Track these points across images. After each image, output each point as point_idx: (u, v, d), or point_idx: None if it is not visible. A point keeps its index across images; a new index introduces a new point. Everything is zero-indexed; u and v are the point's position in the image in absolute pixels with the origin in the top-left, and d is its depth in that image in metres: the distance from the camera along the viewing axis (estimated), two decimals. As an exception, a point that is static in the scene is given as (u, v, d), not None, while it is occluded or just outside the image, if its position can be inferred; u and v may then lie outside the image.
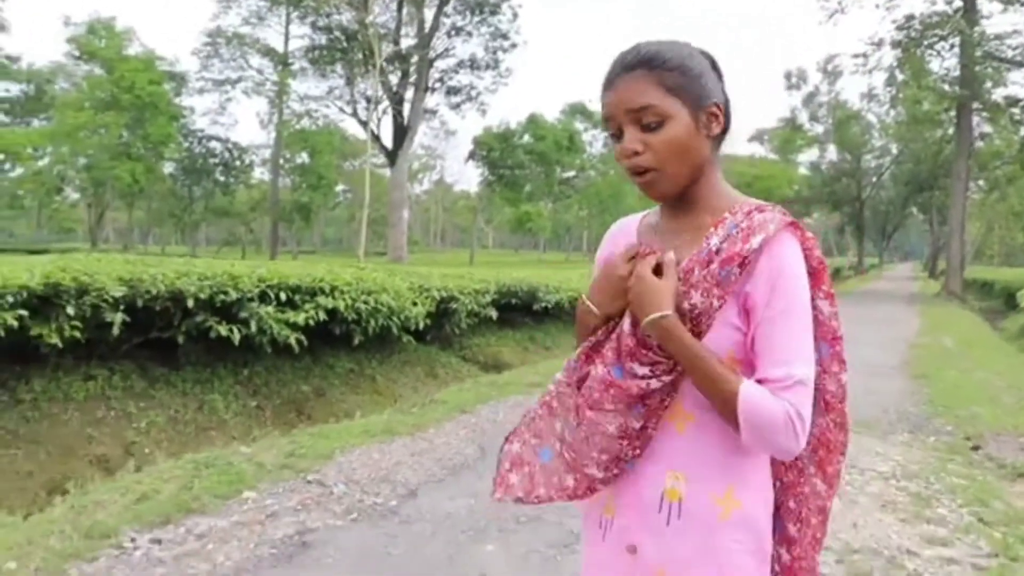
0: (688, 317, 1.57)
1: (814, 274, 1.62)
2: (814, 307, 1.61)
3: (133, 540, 4.29)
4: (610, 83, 1.63)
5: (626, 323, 1.63)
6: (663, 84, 1.59)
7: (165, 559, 4.11)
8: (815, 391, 1.61)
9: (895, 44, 35.01)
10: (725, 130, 1.69)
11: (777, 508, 1.72)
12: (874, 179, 69.11)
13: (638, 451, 1.64)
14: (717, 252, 1.57)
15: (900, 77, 40.42)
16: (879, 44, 35.54)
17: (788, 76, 64.71)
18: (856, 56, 37.36)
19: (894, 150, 64.45)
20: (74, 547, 4.12)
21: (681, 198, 1.67)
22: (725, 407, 1.53)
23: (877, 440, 7.20)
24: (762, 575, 1.63)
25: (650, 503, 1.65)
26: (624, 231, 1.84)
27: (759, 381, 1.53)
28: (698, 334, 1.56)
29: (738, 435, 1.54)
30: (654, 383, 1.59)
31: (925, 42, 34.36)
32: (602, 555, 1.73)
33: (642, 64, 1.61)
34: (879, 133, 66.23)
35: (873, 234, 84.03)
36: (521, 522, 4.86)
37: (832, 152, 67.88)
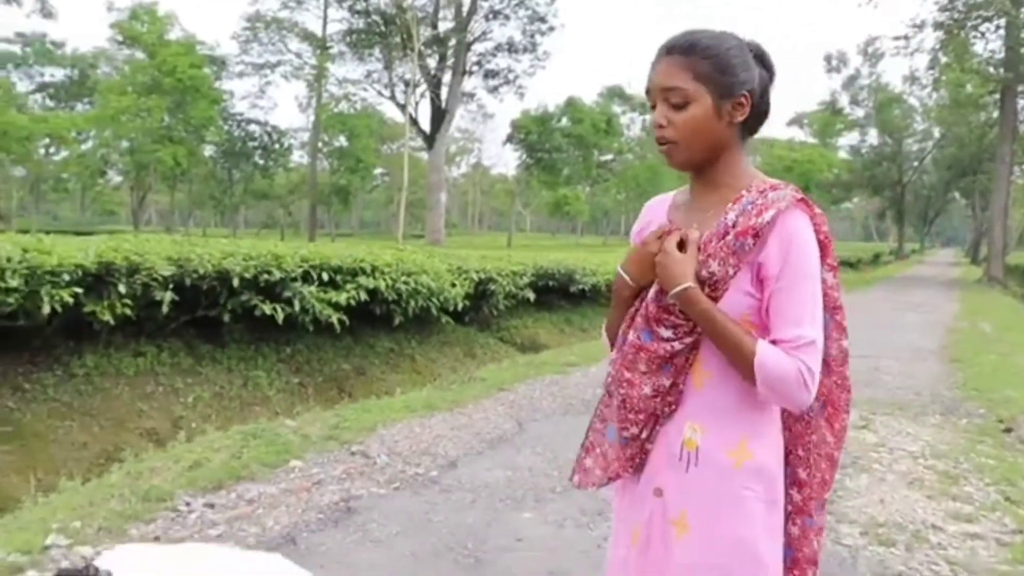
0: (707, 283, 1.76)
1: (821, 248, 1.79)
2: (820, 278, 1.79)
3: (188, 504, 4.50)
4: (654, 62, 1.85)
5: (652, 292, 1.84)
6: (694, 70, 1.78)
7: (218, 521, 4.32)
8: (826, 356, 1.81)
9: (937, 26, 34.56)
10: (761, 117, 1.88)
11: (787, 455, 1.90)
12: (916, 163, 68.29)
13: (672, 407, 1.84)
14: (733, 226, 1.76)
15: (943, 59, 39.85)
16: (921, 26, 35.09)
17: (828, 59, 64.01)
18: (897, 38, 36.92)
19: (936, 134, 63.61)
20: (133, 509, 4.33)
21: (704, 177, 1.87)
22: (743, 365, 1.72)
23: (909, 421, 7.28)
24: (773, 520, 1.81)
25: (673, 451, 1.84)
26: (657, 208, 2.04)
27: (773, 342, 1.71)
28: (715, 298, 1.76)
29: (754, 390, 1.73)
30: (677, 345, 1.80)
31: (969, 23, 33.89)
32: (634, 497, 1.92)
33: (681, 50, 1.81)
34: (921, 116, 65.39)
35: (914, 219, 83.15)
36: (557, 492, 5.02)
37: (873, 136, 67.14)
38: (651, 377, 1.83)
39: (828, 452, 1.91)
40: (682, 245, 1.81)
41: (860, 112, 65.47)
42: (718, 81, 1.78)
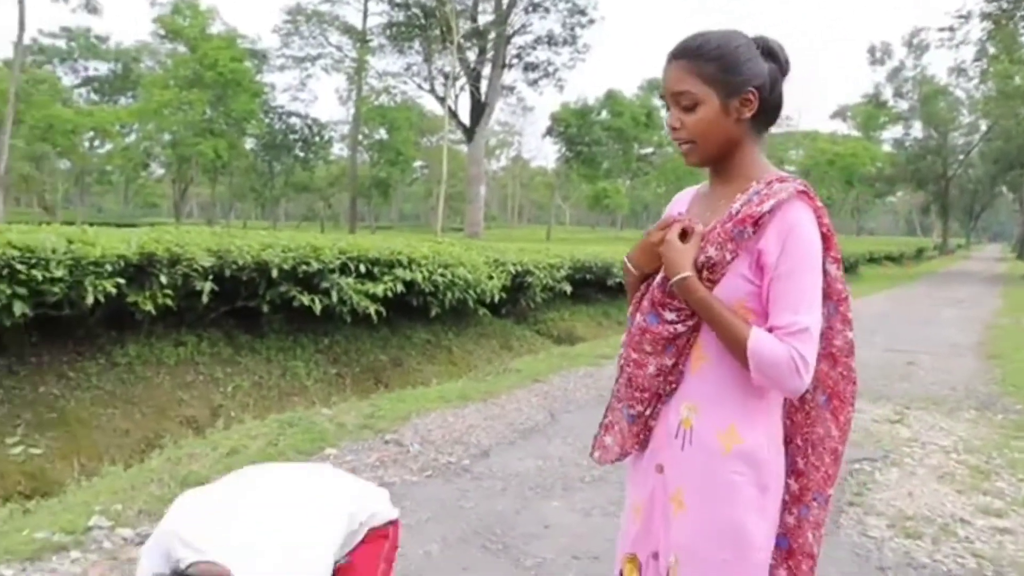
0: (705, 268, 1.85)
1: (824, 240, 1.85)
2: (823, 270, 1.86)
3: (225, 489, 4.62)
4: (664, 68, 1.94)
5: (658, 278, 1.94)
6: (699, 73, 1.86)
7: (254, 506, 4.43)
8: (825, 345, 1.90)
9: (985, 16, 34.14)
10: (773, 110, 1.94)
11: (787, 444, 1.97)
12: (961, 157, 67.32)
13: (673, 386, 1.94)
14: (736, 214, 1.84)
15: (990, 51, 39.33)
16: (967, 17, 34.71)
17: (872, 51, 63.41)
18: (942, 30, 36.56)
19: (983, 127, 62.66)
20: (172, 493, 4.45)
21: (718, 170, 1.96)
22: (738, 351, 1.80)
23: (943, 416, 7.25)
24: (765, 503, 1.88)
25: (671, 429, 1.94)
26: (682, 200, 2.13)
27: (769, 328, 1.79)
28: (713, 282, 1.84)
29: (749, 377, 1.81)
30: (680, 327, 1.90)
31: (1018, 14, 33.41)
32: (640, 473, 2.04)
33: (686, 54, 1.90)
34: (968, 109, 64.46)
35: (959, 214, 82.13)
36: (586, 481, 5.09)
37: (917, 129, 66.23)
38: (656, 357, 1.94)
39: (832, 446, 1.96)
40: (685, 235, 1.91)
41: (904, 105, 64.72)
42: (724, 80, 1.85)
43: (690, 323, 1.89)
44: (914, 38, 59.48)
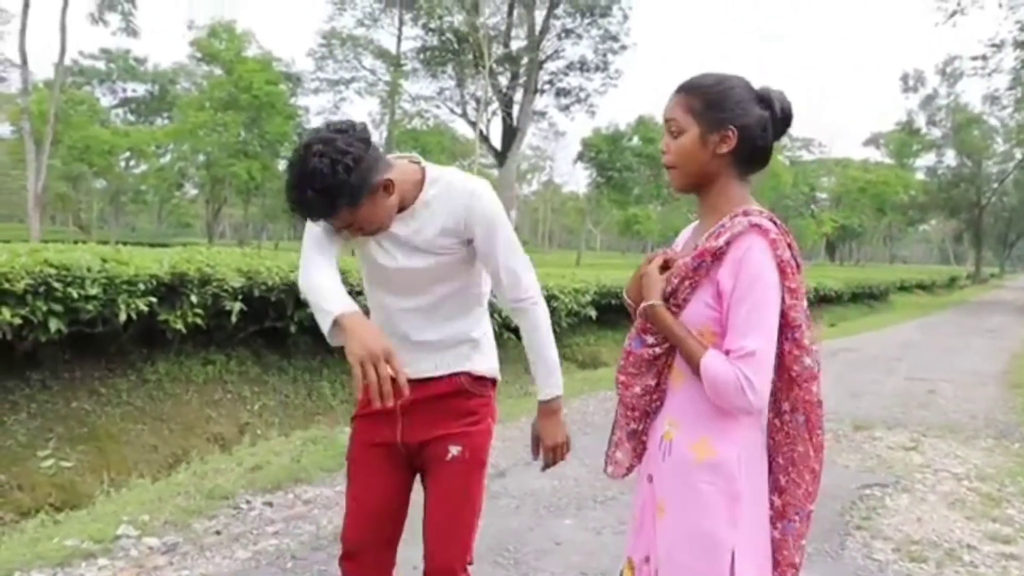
0: (671, 296, 2.05)
1: (780, 270, 1.97)
2: (780, 298, 1.99)
3: (248, 502, 4.79)
4: (671, 97, 2.14)
5: (642, 308, 2.12)
6: (687, 106, 2.08)
7: (276, 519, 4.60)
8: (784, 371, 2.05)
9: (1018, 45, 34.02)
10: (758, 152, 2.10)
11: (770, 462, 2.13)
12: (995, 185, 66.84)
13: (658, 403, 2.15)
14: (697, 248, 2.03)
15: (1024, 79, 39.17)
16: (1000, 45, 34.60)
17: (905, 78, 63.20)
18: (976, 58, 36.47)
19: (1018, 155, 62.24)
20: (197, 505, 4.63)
21: (702, 203, 2.14)
22: (696, 372, 1.98)
23: (959, 444, 7.30)
24: (736, 512, 2.00)
25: (656, 442, 2.16)
26: (686, 231, 2.33)
27: (725, 352, 1.95)
28: (680, 307, 2.04)
29: None
30: (658, 350, 2.11)
31: (1052, 43, 33.28)
32: (638, 484, 2.25)
33: (683, 88, 2.12)
34: (1002, 137, 64.05)
35: (993, 242, 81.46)
36: (598, 501, 5.21)
37: (950, 157, 65.87)
38: (640, 378, 2.15)
39: (810, 465, 2.09)
40: (667, 266, 2.12)
41: (937, 133, 64.37)
42: (705, 115, 2.05)
43: (666, 345, 2.09)
44: (947, 66, 59.24)
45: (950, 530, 4.99)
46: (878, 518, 5.15)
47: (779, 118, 2.08)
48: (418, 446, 2.52)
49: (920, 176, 71.76)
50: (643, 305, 2.10)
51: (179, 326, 6.80)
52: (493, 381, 2.62)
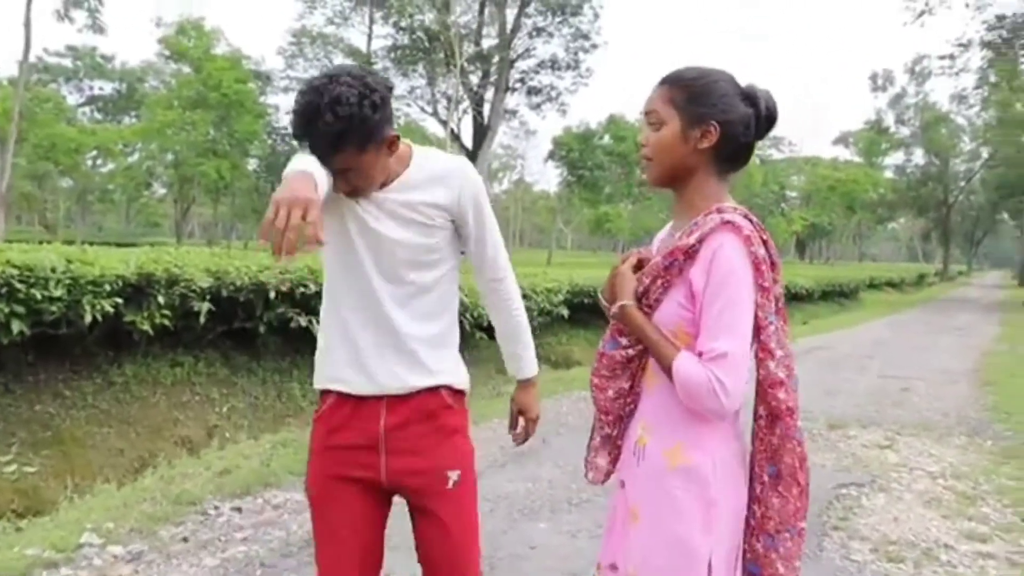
0: (643, 297, 2.00)
1: (755, 267, 1.90)
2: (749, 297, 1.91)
3: (216, 508, 4.68)
4: (654, 89, 2.07)
5: (614, 309, 2.07)
6: (669, 98, 2.01)
7: (245, 525, 4.49)
8: (756, 376, 1.97)
9: (985, 45, 34.34)
10: (740, 150, 2.03)
11: (751, 469, 2.04)
12: (963, 183, 67.56)
13: (632, 406, 2.10)
14: (670, 247, 1.96)
15: (991, 79, 39.57)
16: (967, 45, 34.90)
17: (873, 78, 63.81)
18: (943, 58, 36.77)
19: (984, 154, 62.91)
20: (164, 512, 4.52)
21: (679, 200, 2.08)
22: (668, 373, 1.91)
23: (933, 442, 7.31)
24: (711, 518, 1.93)
25: (630, 447, 2.10)
26: (663, 231, 2.24)
27: (698, 354, 1.87)
28: (652, 308, 1.97)
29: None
30: (631, 351, 2.07)
31: (1017, 43, 33.60)
32: (613, 490, 2.18)
33: (665, 81, 2.05)
34: (969, 136, 64.75)
35: (961, 240, 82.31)
36: (573, 503, 5.15)
37: (919, 155, 66.53)
38: (613, 381, 2.11)
39: (798, 478, 1.99)
40: (640, 266, 2.07)
41: (906, 131, 65.04)
42: (687, 109, 1.97)
43: (640, 347, 2.04)
44: (916, 66, 59.89)
45: (927, 529, 4.97)
46: (855, 518, 5.12)
47: (763, 117, 2.01)
48: (404, 466, 2.32)
49: (889, 175, 72.33)
50: (615, 305, 2.04)
51: (146, 327, 6.67)
52: (465, 394, 2.50)
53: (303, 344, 8.50)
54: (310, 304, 8.00)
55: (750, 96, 2.00)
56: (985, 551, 4.64)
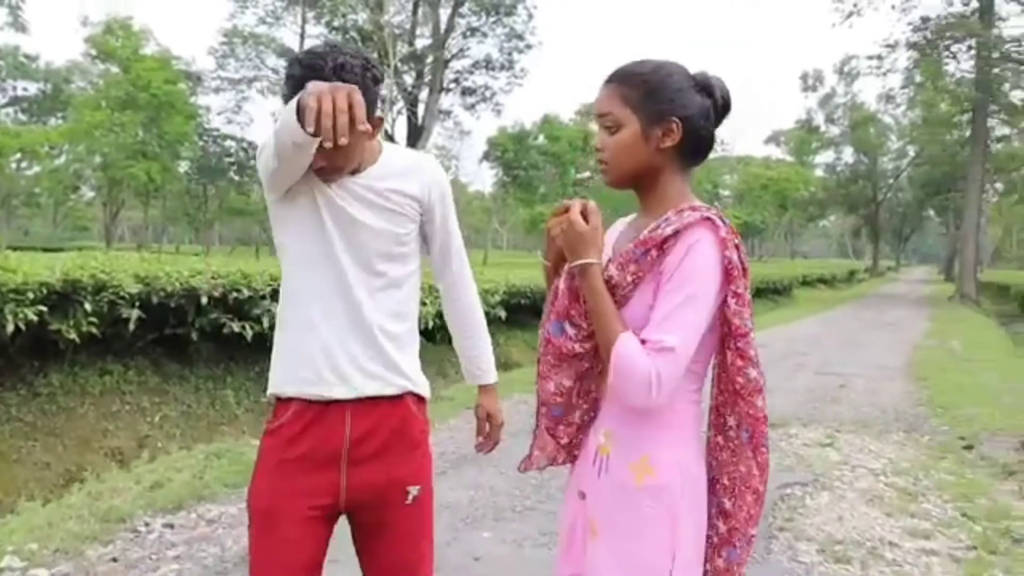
0: (613, 287, 1.81)
1: (726, 272, 1.78)
2: (724, 303, 1.80)
3: (147, 524, 4.50)
4: (599, 89, 1.94)
5: (562, 283, 1.91)
6: (624, 97, 1.87)
7: (177, 542, 4.32)
8: (728, 383, 1.87)
9: (910, 46, 35.00)
10: (701, 143, 1.91)
11: (713, 483, 1.92)
12: (890, 181, 68.96)
13: (582, 408, 1.97)
14: (642, 238, 1.81)
15: (916, 79, 40.37)
16: (894, 46, 35.53)
17: (804, 78, 64.79)
18: (871, 58, 37.39)
19: (911, 152, 64.25)
20: (91, 530, 4.32)
21: (643, 199, 1.95)
22: (606, 352, 1.77)
23: (872, 439, 7.36)
24: (677, 540, 1.81)
25: (590, 456, 1.95)
26: (615, 227, 2.09)
27: (642, 340, 1.74)
28: (617, 303, 1.81)
29: (665, 405, 1.78)
30: (578, 347, 1.88)
31: (941, 44, 34.30)
32: (568, 498, 2.04)
33: (616, 78, 1.91)
34: (896, 135, 66.09)
35: (889, 237, 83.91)
36: (517, 511, 5.06)
37: (848, 154, 67.80)
38: (556, 374, 1.93)
39: (753, 485, 1.90)
40: (586, 217, 1.86)
41: (836, 130, 66.24)
42: (646, 107, 1.85)
43: (587, 345, 1.87)
44: (845, 66, 60.90)
45: (871, 527, 4.97)
46: (800, 518, 5.10)
47: (720, 106, 1.90)
48: (364, 481, 2.19)
49: (819, 173, 73.56)
50: (576, 263, 1.83)
51: (72, 336, 6.45)
52: (426, 402, 2.39)
53: (237, 350, 8.31)
54: (243, 309, 7.83)
55: (705, 86, 1.89)
56: (929, 548, 4.65)
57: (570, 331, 1.88)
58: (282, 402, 2.21)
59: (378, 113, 2.09)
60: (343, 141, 1.72)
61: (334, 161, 2.07)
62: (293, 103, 1.82)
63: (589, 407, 1.96)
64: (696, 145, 1.90)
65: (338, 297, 2.17)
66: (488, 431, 2.60)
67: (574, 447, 2.03)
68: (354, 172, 2.17)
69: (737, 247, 1.81)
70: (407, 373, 2.25)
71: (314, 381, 2.15)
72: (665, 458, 1.83)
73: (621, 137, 1.87)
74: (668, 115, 1.84)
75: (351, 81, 1.94)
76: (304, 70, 1.97)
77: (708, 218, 1.79)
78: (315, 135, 1.73)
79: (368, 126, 1.78)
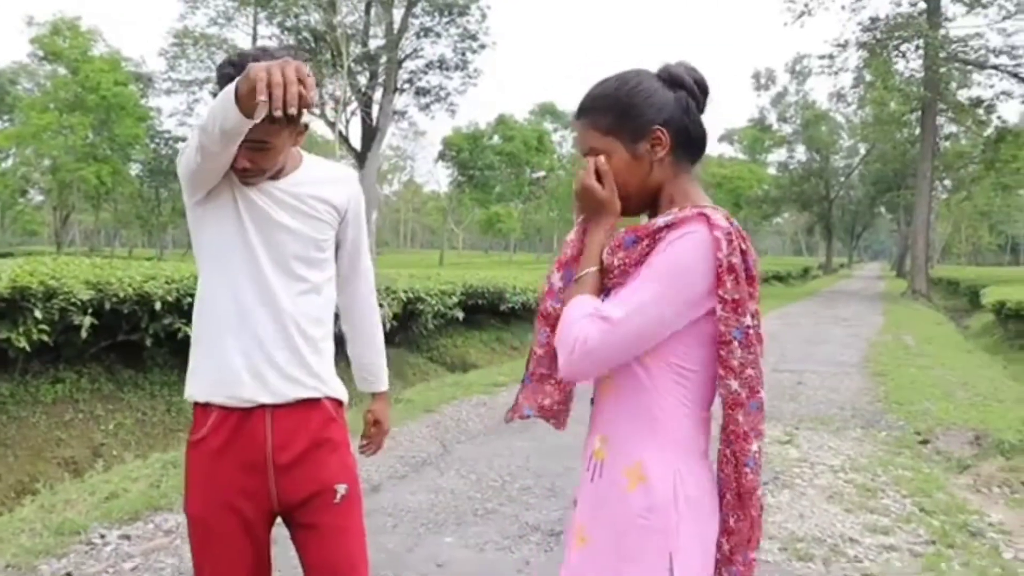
0: (606, 270, 1.78)
1: (716, 274, 1.67)
2: (713, 307, 1.70)
3: (103, 536, 4.41)
4: (573, 126, 1.89)
5: (573, 234, 1.92)
6: (599, 128, 1.81)
7: (134, 554, 4.23)
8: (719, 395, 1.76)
9: (860, 45, 35.39)
10: (694, 138, 1.83)
11: (721, 498, 1.80)
12: (842, 179, 69.81)
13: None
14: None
15: (867, 78, 40.84)
16: (844, 45, 35.90)
17: (756, 76, 65.24)
18: (822, 57, 37.75)
19: (862, 150, 65.12)
20: (44, 544, 4.23)
21: (655, 209, 1.85)
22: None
23: (831, 435, 7.41)
24: (668, 548, 1.70)
25: (586, 462, 1.86)
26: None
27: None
28: (607, 288, 1.77)
29: (659, 407, 1.74)
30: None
31: (890, 44, 34.74)
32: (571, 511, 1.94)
33: (583, 112, 1.85)
34: (847, 133, 66.88)
35: (842, 233, 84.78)
36: (479, 515, 5.02)
37: (801, 152, 68.39)
38: (543, 325, 1.92)
39: (743, 502, 1.78)
40: (600, 179, 1.81)
41: (788, 129, 66.77)
42: (623, 127, 1.79)
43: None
44: (796, 65, 61.49)
45: (832, 524, 5.00)
46: (762, 517, 5.11)
47: (697, 91, 1.82)
48: (293, 484, 2.21)
49: (772, 171, 74.21)
50: (585, 220, 1.86)
51: (22, 344, 6.31)
52: (343, 406, 2.40)
53: (192, 356, 8.19)
54: (199, 314, 7.71)
55: (673, 79, 1.81)
56: (888, 544, 4.69)
57: (558, 274, 1.90)
58: (201, 408, 2.21)
59: (304, 120, 2.05)
60: (293, 111, 1.67)
61: (256, 164, 2.08)
62: (230, 86, 1.78)
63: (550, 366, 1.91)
64: (688, 141, 1.82)
65: (258, 300, 2.17)
66: (373, 435, 2.65)
67: (559, 413, 1.98)
68: (275, 176, 2.18)
69: (743, 252, 1.70)
70: (325, 378, 2.29)
71: (232, 384, 2.15)
72: (659, 465, 1.73)
73: (615, 167, 1.80)
74: (648, 125, 1.77)
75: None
76: (237, 71, 1.91)
77: (703, 213, 1.69)
78: (267, 109, 1.67)
79: (315, 99, 1.74)
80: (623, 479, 1.75)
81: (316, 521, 2.24)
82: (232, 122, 1.80)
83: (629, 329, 1.66)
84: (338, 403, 2.34)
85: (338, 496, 2.25)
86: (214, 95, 1.96)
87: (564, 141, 73.23)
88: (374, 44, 42.61)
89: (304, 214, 2.20)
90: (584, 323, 1.66)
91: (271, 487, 2.18)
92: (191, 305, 6.63)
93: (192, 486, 2.23)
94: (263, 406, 2.15)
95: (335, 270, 2.36)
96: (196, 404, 2.22)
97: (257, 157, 2.06)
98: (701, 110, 1.84)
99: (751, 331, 1.71)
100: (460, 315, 12.67)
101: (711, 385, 1.78)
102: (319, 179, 2.27)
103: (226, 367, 2.15)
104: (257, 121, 1.80)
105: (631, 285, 1.69)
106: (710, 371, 1.77)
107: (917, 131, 39.81)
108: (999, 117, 36.36)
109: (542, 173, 67.90)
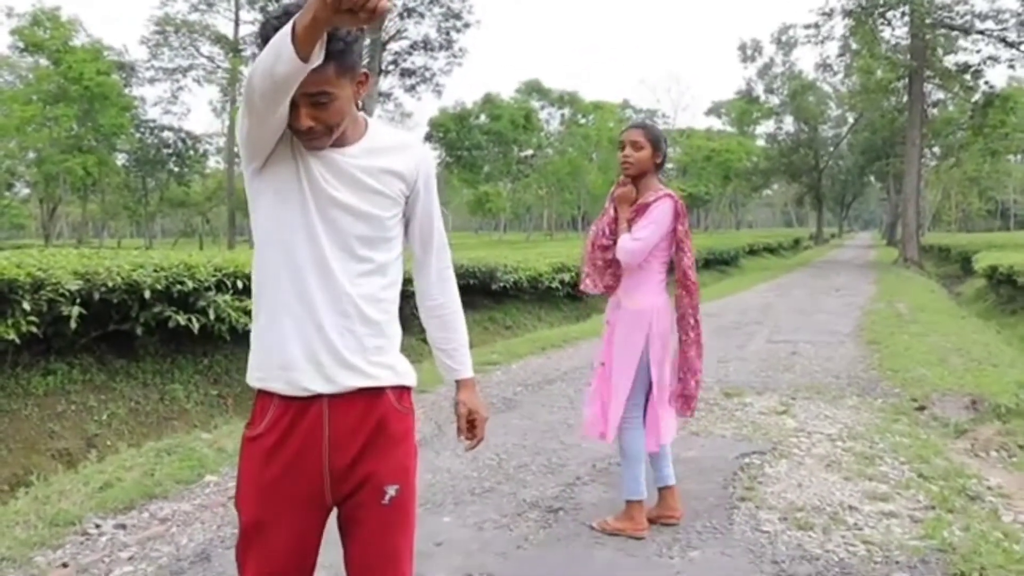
0: (616, 222, 4.45)
1: (675, 215, 4.28)
2: (675, 230, 4.29)
3: (98, 526, 4.37)
4: (626, 131, 4.35)
5: (610, 207, 4.42)
6: (645, 136, 4.26)
7: (130, 543, 4.20)
8: (680, 268, 4.41)
9: (846, 13, 35.30)
10: (662, 159, 4.35)
11: (679, 319, 4.37)
12: (831, 149, 69.72)
13: (611, 271, 4.43)
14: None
15: (853, 47, 40.72)
16: (830, 14, 35.83)
17: (743, 48, 64.93)
18: (808, 27, 37.67)
19: (850, 119, 65.00)
20: (39, 535, 4.20)
21: (638, 187, 4.32)
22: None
23: (827, 404, 7.41)
24: (646, 332, 4.25)
25: (615, 303, 4.40)
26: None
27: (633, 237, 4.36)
28: (613, 239, 4.38)
29: (643, 279, 4.29)
30: (606, 241, 4.38)
31: (876, 11, 34.62)
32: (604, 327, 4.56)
33: (638, 126, 4.37)
34: (835, 103, 66.73)
35: (832, 204, 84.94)
36: (476, 494, 5.00)
37: (789, 123, 68.25)
38: (598, 252, 4.45)
39: (692, 326, 4.38)
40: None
41: (775, 100, 66.46)
42: (653, 143, 4.27)
43: (610, 241, 4.32)
44: (782, 35, 61.13)
45: (831, 493, 4.99)
46: (761, 487, 5.10)
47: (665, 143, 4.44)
48: (345, 480, 2.11)
49: (761, 143, 74.17)
50: (619, 204, 4.38)
51: (12, 336, 6.25)
52: (410, 391, 2.27)
53: (184, 343, 8.16)
54: (188, 301, 7.67)
55: (664, 139, 4.38)
56: (888, 510, 4.68)
57: (606, 231, 4.35)
58: (260, 396, 2.13)
59: (363, 68, 1.99)
60: (385, 4, 1.60)
61: (320, 119, 1.96)
62: (286, 27, 1.70)
63: (613, 271, 4.36)
64: (663, 161, 4.35)
65: (317, 281, 2.06)
66: (471, 427, 2.47)
67: (611, 288, 4.37)
68: (340, 143, 2.06)
69: (684, 213, 4.31)
70: (388, 364, 2.16)
71: (288, 369, 2.05)
72: (644, 298, 4.26)
73: (642, 154, 4.25)
74: (662, 149, 4.29)
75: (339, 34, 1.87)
76: (285, 14, 1.86)
77: (668, 194, 4.21)
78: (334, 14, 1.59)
79: (389, 5, 1.65)
80: (631, 306, 4.27)
81: (362, 517, 2.15)
82: (285, 65, 1.70)
83: (648, 243, 4.14)
84: (404, 390, 2.21)
85: (386, 498, 2.13)
86: (254, 57, 1.87)
87: (551, 119, 73.10)
88: (358, 26, 42.40)
89: (370, 190, 2.09)
90: (630, 244, 4.13)
91: (326, 490, 2.10)
92: (181, 292, 6.59)
93: (244, 484, 2.15)
94: (320, 396, 2.05)
95: (401, 249, 2.24)
96: (257, 391, 2.14)
97: (320, 113, 1.94)
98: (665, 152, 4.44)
99: (686, 238, 4.26)
100: (453, 295, 12.60)
101: (669, 264, 4.31)
102: (386, 147, 2.14)
103: (283, 352, 2.06)
104: (315, 64, 1.74)
105: (640, 224, 4.15)
106: (667, 253, 4.26)
107: (905, 99, 39.77)
108: (986, 82, 36.29)
109: (530, 152, 67.78)
